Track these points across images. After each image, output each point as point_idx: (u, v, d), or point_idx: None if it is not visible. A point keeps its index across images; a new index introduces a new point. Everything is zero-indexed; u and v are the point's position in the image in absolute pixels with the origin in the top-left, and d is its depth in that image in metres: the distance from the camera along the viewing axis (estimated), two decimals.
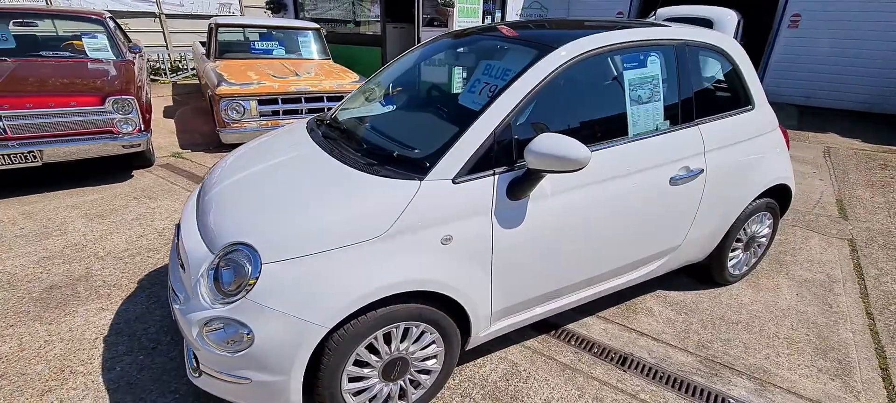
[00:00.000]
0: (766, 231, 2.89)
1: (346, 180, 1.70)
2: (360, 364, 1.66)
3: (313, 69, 5.82)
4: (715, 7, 7.40)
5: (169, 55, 9.72)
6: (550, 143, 1.60)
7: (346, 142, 2.02)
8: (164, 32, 9.93)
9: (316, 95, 5.22)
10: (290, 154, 2.04)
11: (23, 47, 4.89)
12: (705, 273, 2.83)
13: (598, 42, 1.96)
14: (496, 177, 1.72)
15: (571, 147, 1.60)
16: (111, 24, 5.52)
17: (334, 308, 1.48)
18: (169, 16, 10.03)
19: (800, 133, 6.70)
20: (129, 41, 6.55)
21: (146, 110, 4.30)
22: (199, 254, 1.64)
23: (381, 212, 1.56)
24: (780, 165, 2.65)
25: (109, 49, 5.12)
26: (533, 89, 1.78)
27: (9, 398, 1.89)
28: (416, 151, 1.78)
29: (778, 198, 2.81)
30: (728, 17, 7.51)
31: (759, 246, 2.93)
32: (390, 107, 2.50)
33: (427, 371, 1.85)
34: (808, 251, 3.31)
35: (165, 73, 9.30)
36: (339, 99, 5.24)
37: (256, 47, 6.50)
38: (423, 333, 1.74)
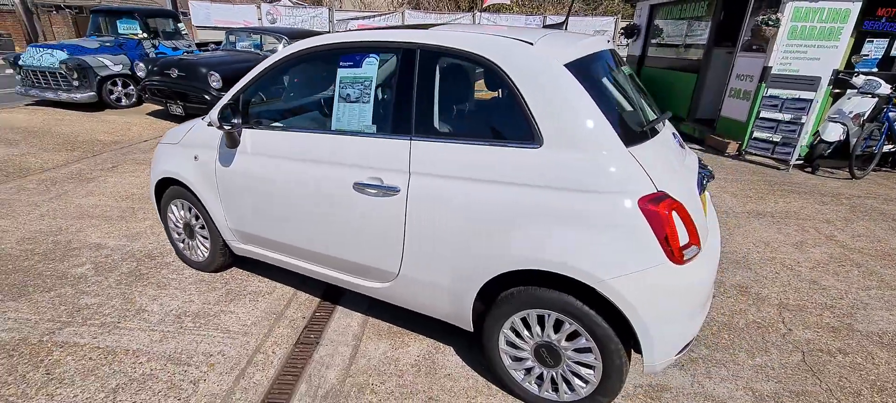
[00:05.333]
0: (589, 359, 1.74)
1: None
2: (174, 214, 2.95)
3: None
4: None
5: None
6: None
7: None
8: None
9: None
10: None
11: None
12: None
13: (316, 42, 2.22)
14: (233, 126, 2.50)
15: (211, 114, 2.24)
16: None
17: (154, 174, 2.86)
18: None
19: None
20: None
21: None
22: None
23: (180, 132, 2.76)
24: (574, 246, 1.63)
25: None
26: (256, 77, 2.39)
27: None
28: None
29: (606, 312, 1.66)
30: None
31: (576, 376, 1.79)
32: None
33: (205, 236, 2.87)
34: None
35: None
36: None
37: None
38: (197, 215, 2.81)
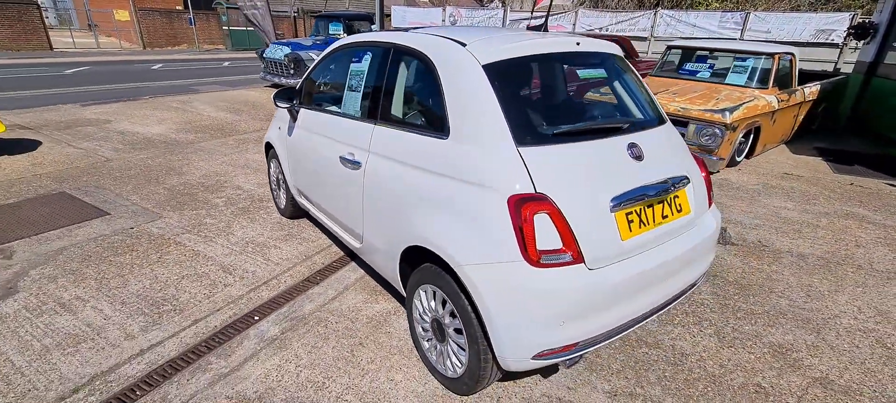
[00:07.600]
0: (462, 341, 1.83)
1: None
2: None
3: (718, 95, 5.53)
4: None
5: None
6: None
7: None
8: None
9: (679, 119, 5.05)
10: None
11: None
12: None
13: (346, 41, 2.73)
14: (291, 104, 3.24)
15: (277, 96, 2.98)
16: None
17: (264, 139, 3.82)
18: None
19: None
20: None
21: None
22: None
23: (275, 112, 3.64)
24: (449, 231, 1.78)
25: None
26: (315, 66, 3.04)
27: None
28: None
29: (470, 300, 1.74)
30: None
31: (454, 355, 1.88)
32: None
33: (285, 189, 3.70)
34: None
35: None
36: (707, 122, 4.87)
37: (683, 69, 6.84)
38: (281, 170, 3.66)
